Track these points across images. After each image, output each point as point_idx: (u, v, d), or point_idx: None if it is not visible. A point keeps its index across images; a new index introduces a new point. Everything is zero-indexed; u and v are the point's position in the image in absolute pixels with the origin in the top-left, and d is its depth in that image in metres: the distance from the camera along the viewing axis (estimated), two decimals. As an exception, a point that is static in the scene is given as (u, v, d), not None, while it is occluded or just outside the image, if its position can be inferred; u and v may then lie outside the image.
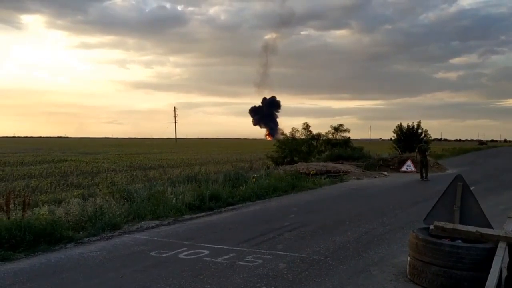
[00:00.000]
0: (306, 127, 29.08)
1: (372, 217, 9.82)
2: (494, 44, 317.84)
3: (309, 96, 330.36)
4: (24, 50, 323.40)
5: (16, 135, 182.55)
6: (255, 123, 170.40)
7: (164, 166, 34.14)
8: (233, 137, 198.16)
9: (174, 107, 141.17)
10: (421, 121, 37.67)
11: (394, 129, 40.24)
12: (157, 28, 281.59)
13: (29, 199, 9.74)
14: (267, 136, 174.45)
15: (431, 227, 5.55)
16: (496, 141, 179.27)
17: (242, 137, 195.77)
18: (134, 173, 26.09)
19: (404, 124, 39.27)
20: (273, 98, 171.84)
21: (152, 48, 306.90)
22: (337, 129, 29.81)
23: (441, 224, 5.41)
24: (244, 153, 56.63)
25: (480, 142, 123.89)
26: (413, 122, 38.98)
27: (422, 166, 19.16)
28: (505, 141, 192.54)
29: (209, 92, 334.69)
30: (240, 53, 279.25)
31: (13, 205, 9.16)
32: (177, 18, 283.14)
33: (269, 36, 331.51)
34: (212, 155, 50.85)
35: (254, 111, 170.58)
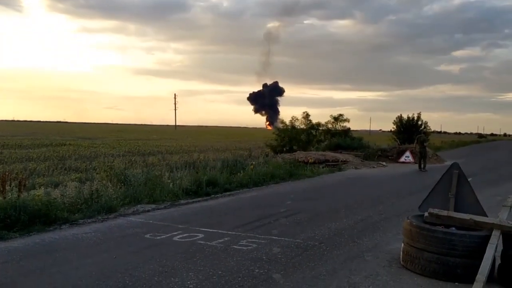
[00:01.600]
0: (306, 116, 29.02)
1: (369, 206, 9.82)
2: (497, 38, 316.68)
3: (310, 86, 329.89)
4: (25, 33, 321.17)
5: (15, 119, 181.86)
6: (256, 110, 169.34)
7: (163, 152, 34.13)
8: (233, 126, 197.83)
9: (175, 94, 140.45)
10: (422, 113, 37.57)
11: (394, 121, 40.20)
12: (159, 14, 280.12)
13: (25, 181, 9.71)
14: (267, 125, 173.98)
15: (426, 214, 5.53)
16: (496, 135, 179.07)
17: (242, 125, 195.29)
18: (133, 159, 26.09)
19: (404, 116, 39.28)
20: (276, 83, 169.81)
21: (153, 34, 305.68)
22: (337, 119, 29.72)
23: (436, 211, 5.39)
24: (244, 141, 56.72)
25: (479, 136, 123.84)
26: (413, 114, 38.94)
27: (421, 157, 19.13)
28: (505, 135, 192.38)
29: (210, 79, 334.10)
30: (242, 41, 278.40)
31: (9, 186, 9.13)
32: (180, 4, 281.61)
33: (271, 24, 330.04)
34: (211, 143, 50.87)
35: (254, 98, 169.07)
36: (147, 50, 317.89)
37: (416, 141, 19.67)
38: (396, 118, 40.02)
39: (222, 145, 46.14)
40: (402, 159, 22.51)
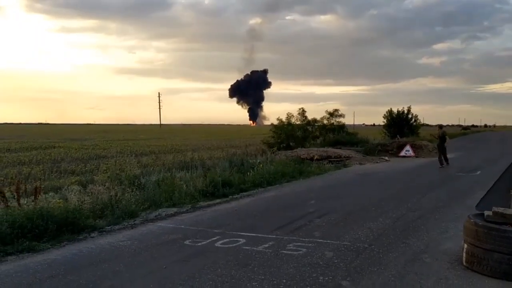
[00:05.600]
0: (302, 112, 28.80)
1: (395, 203, 9.67)
2: (477, 30, 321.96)
3: (293, 81, 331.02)
4: (2, 34, 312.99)
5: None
6: (237, 101, 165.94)
7: (155, 152, 33.54)
8: (217, 123, 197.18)
9: (159, 93, 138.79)
10: (405, 106, 37.82)
11: (384, 115, 40.37)
12: (139, 12, 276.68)
13: (40, 187, 9.30)
14: (251, 122, 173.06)
15: (487, 213, 5.37)
16: (477, 126, 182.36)
17: (226, 122, 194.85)
18: (127, 160, 25.56)
19: (394, 109, 39.48)
20: (263, 73, 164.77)
21: (134, 33, 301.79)
22: (332, 114, 29.62)
23: (501, 210, 5.23)
24: (232, 139, 56.19)
25: (464, 128, 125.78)
26: (403, 108, 39.17)
27: (439, 152, 18.00)
28: (485, 126, 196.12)
29: (193, 77, 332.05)
30: (224, 38, 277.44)
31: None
32: (160, 2, 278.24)
33: (254, 21, 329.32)
34: (200, 141, 50.29)
35: (235, 87, 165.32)
36: (129, 49, 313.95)
37: (440, 134, 18.18)
38: (386, 112, 40.22)
39: (212, 143, 45.64)
40: (403, 153, 22.53)
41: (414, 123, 39.68)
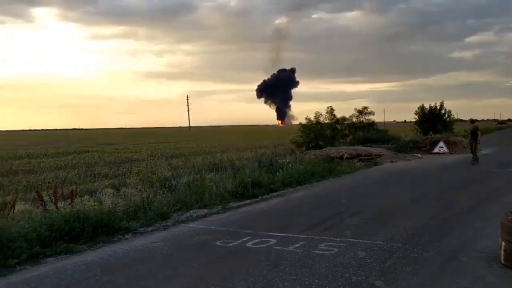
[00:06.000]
0: (330, 110, 28.55)
1: (429, 201, 9.47)
2: (510, 22, 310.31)
3: (321, 80, 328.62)
4: (37, 44, 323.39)
5: (32, 128, 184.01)
6: (265, 100, 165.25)
7: (185, 154, 33.96)
8: (245, 124, 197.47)
9: (187, 96, 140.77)
10: (438, 102, 36.83)
11: (416, 111, 39.46)
12: (167, 16, 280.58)
13: (76, 190, 9.57)
14: (279, 122, 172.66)
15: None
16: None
17: (254, 123, 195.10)
18: (158, 162, 25.97)
19: (426, 105, 38.58)
20: (291, 72, 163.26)
21: (163, 37, 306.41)
22: (362, 112, 29.24)
23: (541, 206, 5.04)
24: (261, 139, 56.22)
25: (500, 122, 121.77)
26: (435, 103, 38.21)
27: (472, 147, 17.29)
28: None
29: (220, 79, 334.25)
30: (251, 39, 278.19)
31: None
32: (187, 5, 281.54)
33: (280, 20, 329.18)
34: (229, 142, 50.58)
35: (262, 87, 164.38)
36: (157, 53, 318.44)
37: (472, 130, 17.54)
38: (418, 108, 39.30)
39: (241, 144, 45.82)
40: (436, 149, 22.01)
41: (448, 119, 38.65)
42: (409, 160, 19.39)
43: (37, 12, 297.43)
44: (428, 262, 5.37)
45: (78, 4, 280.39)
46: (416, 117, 39.19)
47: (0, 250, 5.72)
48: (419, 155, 20.89)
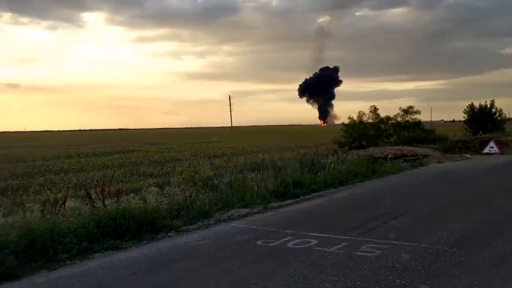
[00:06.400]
0: (374, 110, 27.98)
1: (478, 203, 9.11)
2: None
3: (364, 79, 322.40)
4: (86, 47, 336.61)
5: (82, 128, 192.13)
6: (308, 99, 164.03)
7: (227, 154, 34.25)
8: (287, 124, 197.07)
9: (229, 96, 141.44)
10: (488, 100, 35.21)
11: (465, 110, 38.05)
12: (209, 18, 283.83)
13: (122, 188, 9.88)
14: (321, 122, 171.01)
15: None
16: None
17: (296, 123, 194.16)
18: (200, 162, 26.38)
19: (476, 104, 37.09)
20: (334, 70, 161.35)
21: (205, 38, 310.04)
22: (407, 111, 28.48)
23: None
24: (302, 139, 55.92)
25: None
26: (486, 101, 36.64)
27: None
28: None
29: (262, 79, 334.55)
30: (293, 38, 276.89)
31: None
32: (229, 6, 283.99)
33: (322, 19, 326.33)
34: (270, 142, 50.64)
35: (304, 86, 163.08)
36: (200, 54, 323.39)
37: None
38: (467, 106, 37.86)
39: (282, 144, 45.75)
40: (486, 150, 21.12)
41: (499, 118, 36.99)
42: (457, 160, 18.71)
43: (86, 16, 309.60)
44: (477, 267, 5.16)
45: (125, 8, 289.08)
46: (465, 116, 37.81)
47: (51, 245, 5.99)
48: (468, 155, 20.10)
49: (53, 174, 19.22)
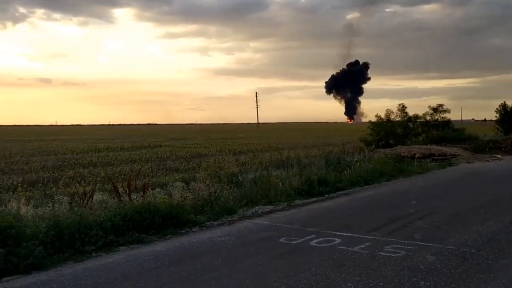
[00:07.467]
0: (402, 108, 27.47)
1: (508, 205, 8.87)
2: None
3: (392, 76, 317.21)
4: (116, 43, 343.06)
5: (111, 123, 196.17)
6: (335, 95, 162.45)
7: (253, 150, 34.31)
8: (313, 121, 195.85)
9: (256, 92, 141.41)
10: None
11: (497, 109, 37.08)
12: (237, 14, 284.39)
13: (148, 183, 10.02)
14: (348, 119, 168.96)
15: None
16: None
17: (322, 120, 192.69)
18: (226, 158, 26.52)
19: (508, 103, 36.00)
20: (364, 66, 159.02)
21: (232, 35, 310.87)
22: (436, 109, 27.84)
23: None
24: (328, 137, 55.47)
25: None
26: (519, 101, 35.48)
27: None
28: None
29: (289, 76, 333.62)
30: (321, 35, 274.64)
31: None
32: (258, 3, 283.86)
33: (351, 16, 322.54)
34: (296, 139, 50.44)
35: (331, 85, 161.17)
36: (227, 50, 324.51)
37: None
38: (499, 105, 36.87)
39: (308, 141, 45.51)
40: (518, 150, 20.47)
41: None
42: (488, 161, 18.21)
43: (117, 12, 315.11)
44: (505, 270, 5.03)
45: (154, 4, 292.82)
46: (497, 115, 36.85)
47: (78, 237, 6.15)
48: (499, 156, 19.55)
49: (82, 167, 19.69)
